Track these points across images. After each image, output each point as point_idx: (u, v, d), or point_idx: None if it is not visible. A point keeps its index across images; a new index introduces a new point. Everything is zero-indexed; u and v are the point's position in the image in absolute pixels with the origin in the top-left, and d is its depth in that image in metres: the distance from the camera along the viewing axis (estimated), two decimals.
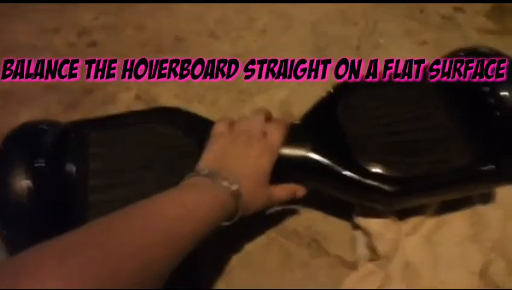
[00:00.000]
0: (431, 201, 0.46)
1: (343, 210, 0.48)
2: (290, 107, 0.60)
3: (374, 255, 0.44)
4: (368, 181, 0.41)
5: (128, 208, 0.31)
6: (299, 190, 0.44)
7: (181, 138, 0.44)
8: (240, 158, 0.40)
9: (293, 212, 0.49)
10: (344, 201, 0.47)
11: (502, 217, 0.46)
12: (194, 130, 0.45)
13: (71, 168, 0.42)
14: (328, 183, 0.44)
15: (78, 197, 0.41)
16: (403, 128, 0.44)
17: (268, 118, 0.46)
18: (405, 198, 0.43)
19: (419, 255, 0.44)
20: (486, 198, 0.48)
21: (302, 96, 0.60)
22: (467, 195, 0.46)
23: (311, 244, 0.47)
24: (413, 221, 0.46)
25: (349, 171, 0.42)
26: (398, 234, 0.44)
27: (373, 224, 0.45)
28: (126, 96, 0.65)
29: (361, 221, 0.46)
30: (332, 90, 0.48)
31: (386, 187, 0.41)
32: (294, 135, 0.45)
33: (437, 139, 0.43)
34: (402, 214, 0.46)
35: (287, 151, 0.43)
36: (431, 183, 0.42)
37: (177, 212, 0.32)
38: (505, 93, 0.41)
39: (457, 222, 0.46)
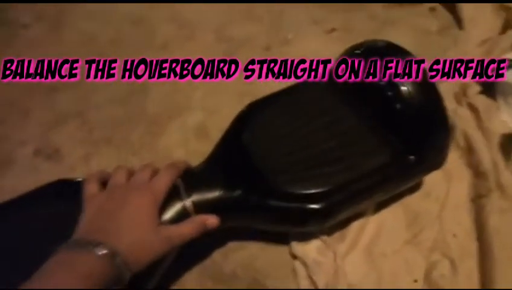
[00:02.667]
0: (362, 207, 0.44)
1: (281, 239, 0.46)
2: (207, 132, 0.56)
3: (316, 286, 0.41)
4: (289, 204, 0.39)
5: None
6: (210, 219, 0.39)
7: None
8: (117, 212, 0.36)
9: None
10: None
11: (436, 210, 0.45)
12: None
13: None
14: (252, 218, 0.41)
15: None
16: (312, 141, 0.41)
17: (155, 171, 0.41)
18: (332, 211, 0.40)
19: (361, 274, 0.42)
20: (418, 191, 0.47)
21: (218, 118, 0.56)
22: (394, 192, 0.44)
23: (252, 285, 0.44)
24: (349, 237, 0.44)
25: (268, 199, 0.39)
26: (336, 258, 0.42)
27: (309, 251, 0.43)
28: (24, 152, 0.57)
29: (298, 250, 0.43)
30: (233, 121, 0.44)
31: (310, 205, 0.38)
32: (204, 176, 0.41)
33: (350, 142, 0.41)
34: (338, 230, 0.44)
35: (200, 196, 0.39)
36: (355, 189, 0.40)
37: None
38: (401, 85, 0.39)
39: (394, 225, 0.45)
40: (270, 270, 0.44)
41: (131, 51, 0.65)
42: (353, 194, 0.40)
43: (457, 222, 0.45)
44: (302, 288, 0.42)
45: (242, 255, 0.46)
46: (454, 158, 0.49)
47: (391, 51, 0.42)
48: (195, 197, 0.39)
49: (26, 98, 0.64)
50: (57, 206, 0.40)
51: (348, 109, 0.42)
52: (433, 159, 0.41)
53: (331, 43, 0.61)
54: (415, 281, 0.41)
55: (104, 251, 0.33)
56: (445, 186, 0.47)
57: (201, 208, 0.39)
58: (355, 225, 0.45)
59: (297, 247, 0.43)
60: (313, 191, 0.38)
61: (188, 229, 0.38)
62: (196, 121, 0.57)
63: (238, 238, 0.47)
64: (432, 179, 0.47)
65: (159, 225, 0.37)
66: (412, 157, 0.40)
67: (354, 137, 0.41)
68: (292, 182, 0.39)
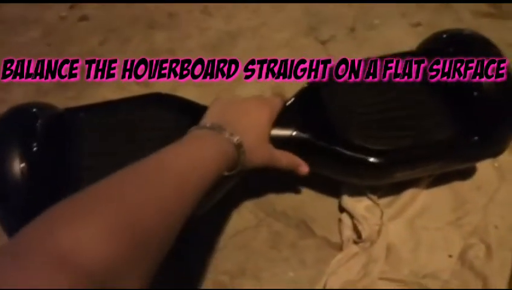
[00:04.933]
0: (415, 174, 0.47)
1: (331, 193, 0.50)
2: (282, 91, 0.61)
3: (358, 237, 0.45)
4: (354, 154, 0.43)
5: (138, 164, 0.31)
6: (303, 166, 0.44)
7: (174, 121, 0.44)
8: (240, 113, 0.41)
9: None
10: (332, 184, 0.49)
11: (485, 202, 0.48)
12: (187, 114, 0.45)
13: (65, 150, 0.42)
14: (316, 161, 0.45)
15: (72, 177, 0.41)
16: (386, 107, 0.45)
17: None
18: (389, 170, 0.44)
19: (401, 239, 0.45)
20: (470, 183, 0.50)
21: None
22: (450, 168, 0.47)
23: (300, 226, 0.48)
24: (397, 206, 0.47)
25: (336, 146, 0.43)
26: (382, 219, 0.46)
27: (358, 208, 0.47)
28: (120, 73, 0.65)
29: (348, 204, 0.47)
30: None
31: (370, 159, 0.42)
32: (283, 116, 0.45)
33: (420, 115, 0.45)
34: (388, 196, 0.48)
35: (276, 131, 0.44)
36: (414, 155, 0.43)
37: (185, 163, 0.32)
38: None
39: (440, 207, 0.48)
40: (317, 216, 0.49)
41: (226, 7, 0.72)
42: (412, 159, 0.43)
43: (501, 216, 0.47)
44: (344, 237, 0.46)
45: (294, 199, 0.51)
46: (511, 162, 0.51)
47: (479, 40, 0.44)
48: (272, 131, 0.44)
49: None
50: (156, 114, 0.45)
51: (427, 83, 0.45)
52: (494, 145, 0.44)
53: (414, 36, 0.64)
54: (450, 256, 0.45)
55: (236, 138, 0.37)
56: (497, 184, 0.50)
57: (274, 142, 0.44)
58: (404, 197, 0.48)
59: (348, 201, 0.47)
60: (377, 147, 0.42)
61: (286, 161, 0.43)
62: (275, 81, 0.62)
63: (293, 184, 0.52)
64: (486, 176, 0.50)
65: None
66: (476, 138, 0.43)
67: (427, 109, 0.44)
68: (360, 135, 0.43)
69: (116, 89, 0.62)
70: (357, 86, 0.46)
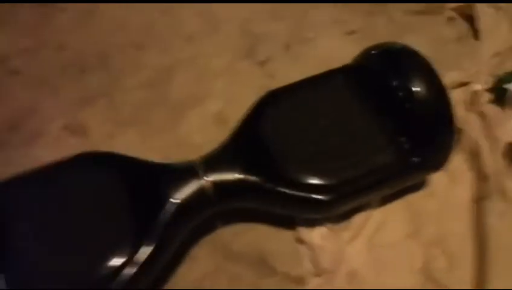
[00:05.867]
0: (365, 201, 0.47)
1: (288, 225, 0.48)
2: (226, 120, 0.59)
3: (319, 269, 0.44)
4: (299, 193, 0.42)
5: None
6: None
7: (107, 182, 0.42)
8: None
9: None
10: (287, 215, 0.47)
11: (438, 209, 0.48)
12: (124, 172, 0.42)
13: None
14: (262, 202, 0.44)
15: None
16: (324, 135, 0.44)
17: None
18: (338, 204, 0.44)
19: (362, 262, 0.44)
20: (421, 191, 0.49)
21: (237, 106, 0.58)
22: (397, 189, 0.47)
23: (259, 264, 0.46)
24: (354, 226, 0.46)
25: (281, 186, 0.42)
26: (339, 244, 0.45)
27: (314, 237, 0.45)
28: (53, 127, 0.61)
29: (303, 234, 0.46)
30: (251, 107, 0.47)
31: (317, 196, 0.41)
32: (224, 158, 0.44)
33: (360, 140, 0.44)
34: (343, 220, 0.47)
35: (220, 177, 0.42)
36: (360, 184, 0.43)
37: None
38: (412, 85, 0.42)
39: (396, 221, 0.47)
40: (276, 252, 0.47)
41: (159, 39, 0.69)
42: (357, 189, 0.43)
43: (458, 221, 0.47)
44: (304, 271, 0.45)
45: (250, 236, 0.49)
46: (459, 161, 0.51)
47: (407, 54, 0.44)
48: (215, 177, 0.42)
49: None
50: (86, 177, 0.42)
51: (362, 107, 0.45)
52: (436, 161, 0.44)
53: (350, 44, 0.63)
54: (413, 271, 0.44)
55: None
56: (449, 187, 0.49)
57: (220, 189, 0.42)
58: (359, 217, 0.47)
59: (303, 232, 0.46)
60: (319, 183, 0.41)
61: None
62: (216, 109, 0.60)
63: (247, 220, 0.50)
64: (437, 180, 0.50)
65: None
66: (415, 159, 0.42)
67: (364, 135, 0.43)
68: (301, 172, 0.42)
69: (51, 147, 0.58)
70: (295, 115, 0.45)
